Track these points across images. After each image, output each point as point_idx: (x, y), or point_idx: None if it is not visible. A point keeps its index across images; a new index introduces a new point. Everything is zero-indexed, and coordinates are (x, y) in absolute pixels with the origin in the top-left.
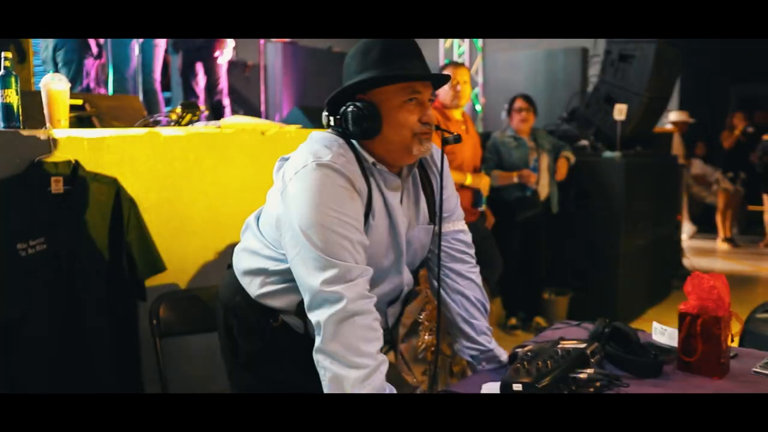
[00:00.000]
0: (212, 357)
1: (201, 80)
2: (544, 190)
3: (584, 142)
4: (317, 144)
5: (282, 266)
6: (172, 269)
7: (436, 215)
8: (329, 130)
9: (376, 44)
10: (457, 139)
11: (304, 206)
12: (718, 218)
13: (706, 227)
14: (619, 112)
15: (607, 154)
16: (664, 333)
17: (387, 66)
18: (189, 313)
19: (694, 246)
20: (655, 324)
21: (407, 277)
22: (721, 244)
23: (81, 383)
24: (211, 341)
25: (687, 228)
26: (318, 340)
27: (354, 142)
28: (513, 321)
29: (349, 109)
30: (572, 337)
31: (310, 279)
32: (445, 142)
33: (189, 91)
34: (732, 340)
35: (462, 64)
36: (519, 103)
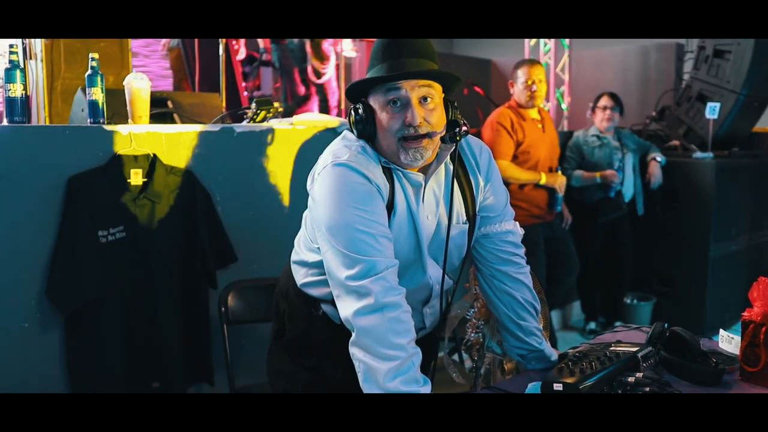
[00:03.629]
0: None
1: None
2: (628, 191)
3: (675, 143)
4: (339, 144)
5: (319, 258)
6: (243, 260)
7: (471, 214)
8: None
9: (375, 45)
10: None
11: (326, 206)
12: None
13: None
14: (712, 110)
15: (698, 154)
16: (731, 341)
17: (373, 68)
18: (255, 302)
19: None
20: (721, 331)
21: (436, 275)
22: None
23: (152, 365)
24: None
25: None
26: (353, 335)
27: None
28: (592, 326)
29: (351, 112)
30: (630, 341)
31: (337, 275)
32: (452, 139)
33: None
34: None
35: (537, 62)
36: (604, 101)
